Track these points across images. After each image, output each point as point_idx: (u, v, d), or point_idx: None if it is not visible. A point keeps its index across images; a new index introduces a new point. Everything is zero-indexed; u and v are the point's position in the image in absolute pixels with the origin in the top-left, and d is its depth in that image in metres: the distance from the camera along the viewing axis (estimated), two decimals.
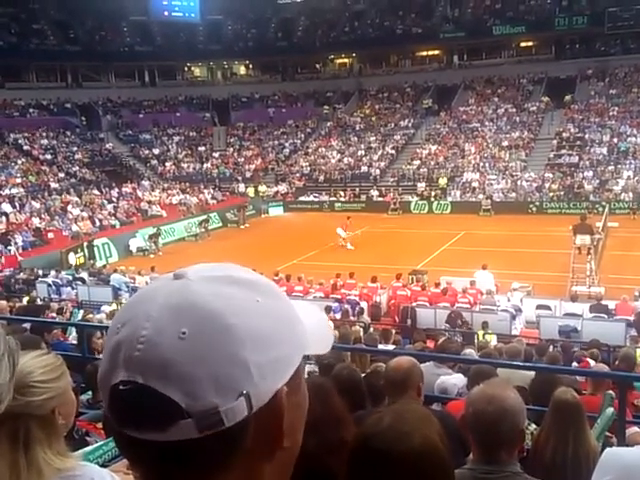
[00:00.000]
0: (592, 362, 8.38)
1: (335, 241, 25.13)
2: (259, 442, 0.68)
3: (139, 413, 0.63)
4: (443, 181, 34.79)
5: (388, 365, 3.37)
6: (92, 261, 23.45)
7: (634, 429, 4.69)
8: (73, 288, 18.20)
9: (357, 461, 1.27)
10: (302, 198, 36.69)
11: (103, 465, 2.17)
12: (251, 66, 54.27)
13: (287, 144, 43.70)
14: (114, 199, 32.01)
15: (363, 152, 40.41)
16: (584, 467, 3.05)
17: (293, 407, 0.72)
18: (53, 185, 32.63)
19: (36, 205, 29.02)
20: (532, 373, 5.66)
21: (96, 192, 32.38)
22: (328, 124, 44.77)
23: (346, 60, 52.34)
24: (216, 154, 43.33)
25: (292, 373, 0.71)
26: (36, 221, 27.29)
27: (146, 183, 36.15)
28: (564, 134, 36.46)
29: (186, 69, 53.06)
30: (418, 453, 1.23)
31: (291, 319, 0.73)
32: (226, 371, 0.64)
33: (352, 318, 14.71)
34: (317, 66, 52.99)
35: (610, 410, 4.09)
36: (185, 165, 41.42)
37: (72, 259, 23.22)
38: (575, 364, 8.54)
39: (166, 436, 0.63)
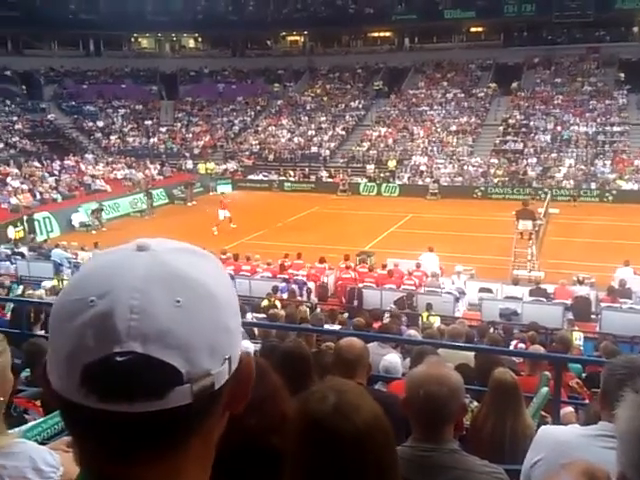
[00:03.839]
0: (522, 345, 8.66)
1: (220, 226, 23.83)
2: (230, 401, 0.73)
3: (137, 383, 0.63)
4: (392, 164, 35.04)
5: (340, 344, 3.39)
6: (32, 235, 22.75)
7: (568, 409, 4.89)
8: (12, 263, 17.59)
9: (306, 442, 1.27)
10: (251, 177, 36.30)
11: (42, 442, 2.12)
12: (200, 40, 53.10)
13: (236, 121, 43.10)
14: (56, 172, 30.92)
15: (313, 132, 40.25)
16: (521, 444, 3.17)
17: None
18: None
19: None
20: (472, 354, 5.81)
21: (37, 164, 31.24)
22: (278, 102, 44.35)
23: (297, 38, 51.83)
24: (163, 129, 42.34)
25: None
26: None
27: (90, 156, 35.07)
28: (510, 120, 37.21)
29: (133, 40, 51.50)
30: (366, 429, 1.24)
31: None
32: (217, 337, 0.68)
33: (299, 298, 14.78)
34: (268, 42, 52.28)
35: (545, 389, 4.26)
36: (131, 139, 40.33)
37: (11, 233, 22.51)
38: (516, 343, 8.83)
39: (163, 404, 0.64)
